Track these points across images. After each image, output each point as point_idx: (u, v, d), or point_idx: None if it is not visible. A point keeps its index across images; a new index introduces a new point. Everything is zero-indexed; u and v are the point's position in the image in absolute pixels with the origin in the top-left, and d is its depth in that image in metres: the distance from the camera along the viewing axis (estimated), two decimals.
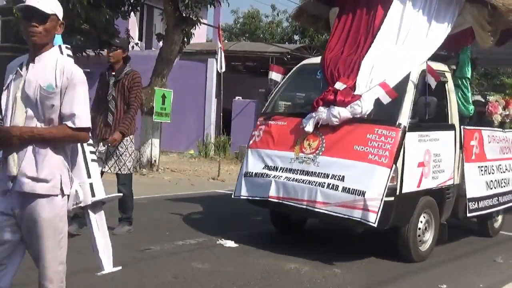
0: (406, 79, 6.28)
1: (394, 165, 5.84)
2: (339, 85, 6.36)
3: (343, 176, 5.90)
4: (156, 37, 14.94)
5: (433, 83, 6.12)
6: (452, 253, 7.04)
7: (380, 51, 6.67)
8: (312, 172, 6.11)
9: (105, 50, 6.94)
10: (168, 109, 12.90)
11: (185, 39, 13.58)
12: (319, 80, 6.75)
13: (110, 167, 6.61)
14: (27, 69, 3.04)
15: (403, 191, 5.99)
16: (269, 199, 6.26)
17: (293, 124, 6.51)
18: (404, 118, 6.04)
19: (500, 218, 8.29)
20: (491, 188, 7.35)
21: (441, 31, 6.87)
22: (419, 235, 6.36)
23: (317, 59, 7.06)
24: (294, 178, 6.17)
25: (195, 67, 16.98)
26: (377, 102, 6.18)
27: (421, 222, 6.39)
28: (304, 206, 6.04)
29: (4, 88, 3.08)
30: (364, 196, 5.73)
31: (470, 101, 7.04)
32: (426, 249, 6.50)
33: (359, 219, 5.75)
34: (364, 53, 6.68)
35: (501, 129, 7.75)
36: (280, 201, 6.22)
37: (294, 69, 7.36)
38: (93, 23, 12.12)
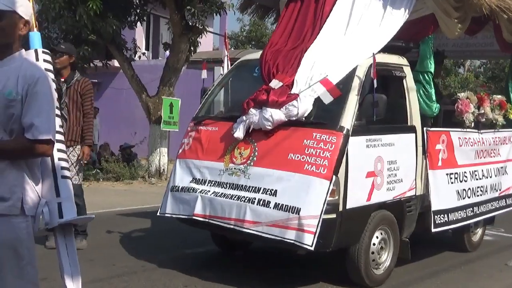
0: (351, 75, 5.36)
1: (334, 176, 4.93)
2: (274, 83, 5.45)
3: (276, 191, 5.00)
4: (162, 46, 15.04)
5: (375, 82, 5.19)
6: (462, 258, 6.70)
7: (325, 43, 5.78)
8: (242, 185, 5.21)
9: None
10: (176, 118, 12.65)
11: (192, 48, 13.57)
12: (258, 78, 5.84)
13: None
14: None
15: (348, 206, 5.08)
16: (194, 217, 5.37)
17: (224, 130, 5.61)
18: (347, 120, 5.12)
19: (479, 230, 7.35)
20: (464, 198, 6.41)
21: (397, 18, 5.95)
22: (372, 257, 5.45)
23: (257, 54, 6.15)
24: (222, 193, 5.28)
25: (202, 76, 16.66)
26: (318, 102, 5.28)
27: (375, 241, 5.48)
28: (232, 226, 5.14)
29: None
30: (298, 213, 4.82)
31: (434, 98, 6.09)
32: (382, 272, 5.59)
33: (293, 241, 4.85)
34: (309, 46, 5.78)
35: (477, 130, 6.80)
36: (207, 219, 5.33)
37: (232, 66, 6.48)
38: (100, 34, 12.29)
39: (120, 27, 12.89)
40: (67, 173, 3.30)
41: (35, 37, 3.38)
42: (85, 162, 6.76)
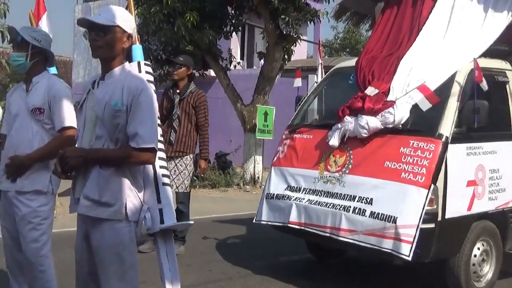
0: (451, 81, 5.20)
1: (432, 185, 4.79)
2: (370, 90, 5.39)
3: (371, 199, 4.93)
4: (257, 55, 15.33)
5: (484, 85, 5.01)
6: None
7: (423, 48, 5.64)
8: (337, 193, 5.18)
9: (169, 68, 6.94)
10: (270, 126, 12.89)
11: (286, 57, 13.69)
12: (353, 85, 5.79)
13: (175, 184, 6.35)
14: (97, 87, 2.98)
15: (447, 216, 4.91)
16: (289, 225, 5.39)
17: (319, 138, 5.60)
18: (446, 127, 4.96)
19: None
20: None
21: (499, 21, 5.72)
22: (473, 269, 5.24)
23: (352, 62, 6.10)
24: (317, 201, 5.26)
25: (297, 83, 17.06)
26: (415, 109, 5.15)
27: (477, 252, 5.27)
28: (328, 234, 5.11)
29: (78, 107, 3.06)
30: (395, 223, 4.72)
31: None
32: (484, 285, 5.35)
33: (390, 251, 4.75)
34: (405, 52, 5.66)
35: None
36: (302, 227, 5.33)
37: (327, 73, 6.46)
38: (197, 44, 12.75)
39: (216, 37, 13.17)
40: (167, 180, 3.43)
41: (138, 50, 3.55)
42: (202, 175, 6.86)
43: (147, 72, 3.50)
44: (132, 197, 2.95)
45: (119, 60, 2.99)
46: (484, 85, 5.08)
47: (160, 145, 3.38)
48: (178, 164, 6.37)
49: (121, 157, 2.90)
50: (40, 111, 3.79)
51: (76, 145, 3.01)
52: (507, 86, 5.62)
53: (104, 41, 2.91)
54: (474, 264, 5.24)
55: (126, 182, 2.93)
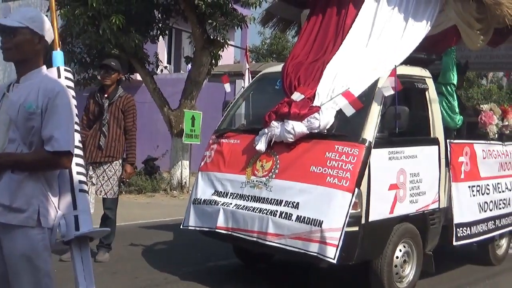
0: (373, 87, 5.35)
1: (356, 189, 4.90)
2: (296, 96, 5.46)
3: (298, 203, 4.99)
4: (184, 60, 15.10)
5: (389, 91, 5.15)
6: (487, 271, 6.65)
7: (347, 55, 5.77)
8: (264, 198, 5.21)
9: (100, 71, 6.68)
10: (197, 131, 12.78)
11: (213, 61, 13.65)
12: (279, 91, 5.85)
13: (96, 191, 6.24)
14: (12, 90, 2.89)
15: (371, 218, 5.04)
16: (217, 230, 5.38)
17: (246, 143, 5.62)
18: (369, 132, 5.10)
19: (504, 244, 7.24)
20: (486, 211, 6.33)
21: (418, 30, 5.94)
22: (396, 270, 5.40)
23: (279, 67, 6.17)
24: (244, 206, 5.28)
25: (223, 89, 17.15)
26: (340, 114, 5.26)
27: (399, 254, 5.43)
28: (255, 239, 5.14)
29: None
30: (321, 226, 4.80)
31: (457, 110, 6.05)
32: (405, 286, 5.53)
33: (316, 254, 4.82)
34: (330, 58, 5.78)
35: (501, 142, 6.73)
36: (229, 232, 5.33)
37: (254, 79, 6.50)
38: (123, 48, 12.46)
39: (143, 41, 12.98)
40: (85, 187, 3.33)
41: (58, 55, 3.43)
42: (127, 180, 6.80)
43: (66, 78, 3.37)
44: (46, 203, 2.86)
45: (33, 62, 2.91)
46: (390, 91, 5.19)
47: (78, 151, 3.27)
48: (107, 170, 6.29)
49: (35, 161, 2.81)
50: None
51: None
52: (427, 92, 5.84)
53: (13, 43, 2.83)
54: (396, 266, 5.40)
55: (40, 187, 2.84)
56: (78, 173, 3.29)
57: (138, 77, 14.96)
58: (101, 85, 6.54)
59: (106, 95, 6.38)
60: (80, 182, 3.30)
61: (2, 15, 21.52)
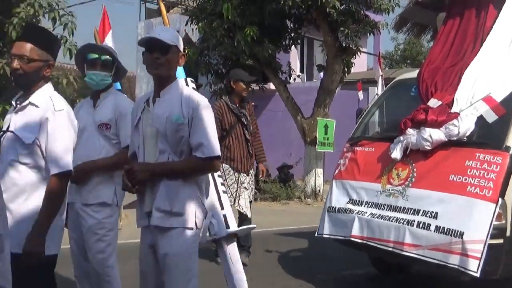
0: None
1: (500, 199, 4.65)
2: (433, 102, 5.30)
3: (436, 213, 4.82)
4: (316, 68, 15.38)
5: None
6: None
7: (488, 59, 5.50)
8: (400, 207, 5.10)
9: (242, 84, 6.69)
10: (330, 139, 12.89)
11: (346, 69, 13.70)
12: (415, 97, 5.71)
13: (249, 196, 6.63)
14: (154, 103, 3.06)
15: None
16: (352, 238, 5.34)
17: (381, 150, 5.54)
18: None
19: None
20: None
21: None
22: None
23: (414, 73, 6.02)
24: (380, 215, 5.20)
25: (356, 96, 17.09)
26: (480, 120, 5.03)
27: None
28: (391, 248, 5.04)
29: (134, 125, 3.14)
30: (462, 237, 4.60)
31: None
32: None
33: (456, 266, 4.63)
34: (469, 62, 5.54)
35: None
36: (364, 241, 5.27)
37: (388, 86, 6.39)
38: (257, 58, 12.87)
39: (275, 51, 13.28)
40: (224, 188, 3.58)
41: (180, 69, 3.71)
42: (264, 179, 7.18)
43: (194, 88, 3.64)
44: (199, 205, 3.06)
45: (173, 77, 3.12)
46: None
47: None
48: (252, 175, 6.68)
49: (188, 167, 3.02)
50: (106, 126, 3.91)
51: (139, 161, 3.09)
52: None
53: (166, 60, 3.02)
54: None
55: (194, 191, 3.04)
56: (218, 176, 3.55)
57: (271, 86, 15.27)
58: (242, 98, 6.65)
59: (237, 104, 6.54)
60: (221, 184, 3.57)
61: (146, 31, 22.91)
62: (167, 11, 22.02)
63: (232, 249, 3.50)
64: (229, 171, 6.41)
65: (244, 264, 6.31)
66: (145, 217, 3.06)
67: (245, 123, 6.54)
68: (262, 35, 12.29)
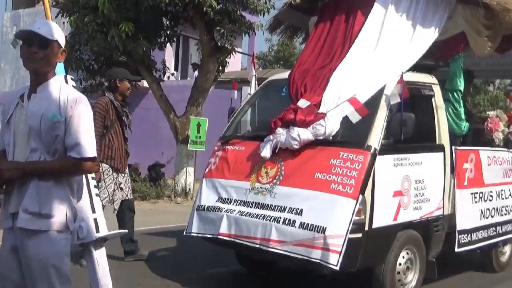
0: (380, 94, 5.32)
1: (360, 196, 4.87)
2: (302, 103, 5.44)
3: (302, 210, 4.95)
4: (191, 66, 15.13)
5: (395, 98, 5.12)
6: (489, 278, 6.66)
7: (354, 62, 5.75)
8: (267, 205, 5.18)
9: (127, 83, 6.66)
10: (203, 138, 12.81)
11: (220, 68, 13.65)
12: (286, 97, 5.83)
13: (128, 194, 6.59)
14: (29, 99, 2.92)
15: (374, 225, 5.00)
16: (219, 236, 5.35)
17: (251, 149, 5.59)
18: (375, 139, 5.07)
19: (507, 250, 7.16)
20: (487, 217, 6.28)
21: (426, 37, 5.91)
22: (398, 277, 5.35)
23: (285, 74, 6.16)
24: (248, 213, 5.25)
25: (230, 95, 17.31)
26: (346, 121, 5.24)
27: (401, 261, 5.38)
28: (258, 245, 5.10)
29: (5, 121, 2.97)
30: (324, 233, 4.77)
31: (463, 117, 6.01)
32: None
33: (318, 260, 4.78)
34: (337, 65, 5.76)
35: (507, 149, 6.68)
36: (232, 239, 5.30)
37: (260, 86, 6.49)
38: (131, 55, 12.51)
39: (150, 48, 13.01)
40: (97, 191, 3.49)
41: (60, 65, 3.58)
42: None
43: (73, 87, 3.51)
44: (71, 207, 2.94)
45: (51, 73, 2.98)
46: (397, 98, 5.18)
47: None
48: (128, 173, 6.65)
49: (62, 168, 2.89)
50: None
51: (8, 159, 2.93)
52: (433, 99, 5.80)
53: (44, 54, 2.89)
54: (399, 272, 5.35)
55: (66, 193, 2.92)
56: (92, 178, 3.45)
57: (145, 83, 15.00)
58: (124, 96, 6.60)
59: (120, 103, 6.48)
60: (95, 186, 3.48)
61: (12, 23, 21.68)
62: (37, 1, 20.98)
63: (100, 254, 3.41)
64: (109, 170, 6.25)
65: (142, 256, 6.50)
66: (9, 218, 2.89)
67: (126, 122, 6.47)
68: (137, 31, 12.01)
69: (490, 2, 5.76)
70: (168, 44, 14.29)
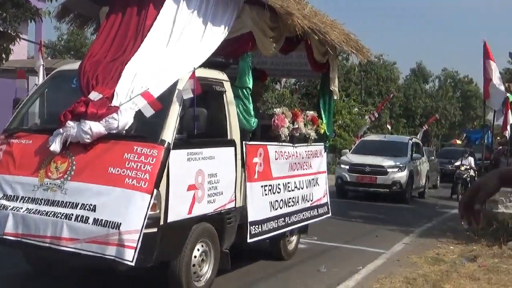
0: (172, 88, 5.38)
1: (155, 190, 4.89)
2: (94, 95, 5.28)
3: (95, 206, 4.83)
4: None
5: (188, 93, 5.25)
6: (279, 266, 6.89)
7: (147, 56, 5.72)
8: (58, 201, 4.95)
9: None
10: None
11: (3, 56, 12.39)
12: (76, 89, 5.61)
13: None
14: None
15: (169, 219, 5.07)
16: (5, 236, 4.99)
17: (39, 143, 5.30)
18: (168, 133, 5.12)
19: (294, 239, 7.73)
20: (276, 209, 6.72)
21: (217, 34, 6.11)
22: (194, 269, 5.48)
23: (76, 65, 5.92)
24: (36, 210, 4.97)
25: (15, 86, 15.77)
26: (139, 115, 5.20)
27: (197, 253, 5.52)
28: (48, 244, 4.86)
29: None
30: (119, 229, 4.70)
31: (252, 113, 6.33)
32: (203, 284, 5.65)
33: (113, 257, 4.70)
34: (130, 58, 5.68)
35: (291, 144, 7.17)
36: (19, 238, 4.98)
37: (48, 76, 6.17)
38: None
39: None
40: None
41: None
42: None
43: None
44: None
45: None
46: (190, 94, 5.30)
47: None
48: None
49: None
50: None
51: None
52: (224, 95, 6.01)
53: None
54: (194, 265, 5.50)
55: None
56: None
57: None
58: None
59: None
60: None
61: None
62: None
63: None
64: None
65: None
66: None
67: None
68: None
69: (274, 5, 6.13)
70: None
